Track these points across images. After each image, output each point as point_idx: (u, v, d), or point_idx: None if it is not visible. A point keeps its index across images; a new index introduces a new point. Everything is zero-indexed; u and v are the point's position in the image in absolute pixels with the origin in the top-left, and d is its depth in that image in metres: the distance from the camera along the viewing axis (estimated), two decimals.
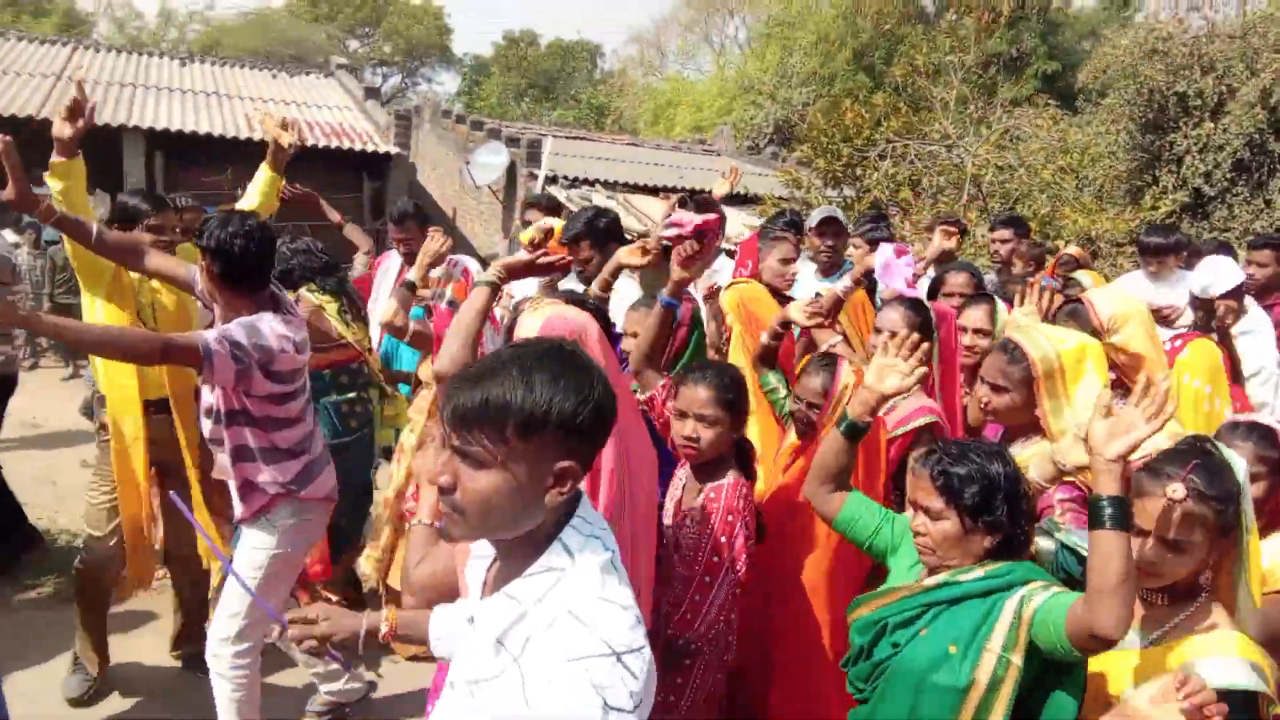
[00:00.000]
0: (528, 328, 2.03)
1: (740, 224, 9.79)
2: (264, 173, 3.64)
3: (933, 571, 1.94)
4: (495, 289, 2.33)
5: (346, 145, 12.54)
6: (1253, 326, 3.97)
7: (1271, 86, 9.62)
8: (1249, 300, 4.13)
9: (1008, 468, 1.87)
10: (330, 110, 14.33)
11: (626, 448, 2.04)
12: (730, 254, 5.44)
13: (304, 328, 2.87)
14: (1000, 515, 1.84)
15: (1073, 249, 4.87)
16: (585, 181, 12.30)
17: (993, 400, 2.49)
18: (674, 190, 11.74)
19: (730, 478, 2.46)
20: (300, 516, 2.89)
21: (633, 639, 1.21)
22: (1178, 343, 3.30)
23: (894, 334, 2.84)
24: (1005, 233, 5.39)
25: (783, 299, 3.69)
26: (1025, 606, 1.76)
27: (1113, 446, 1.67)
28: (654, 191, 12.12)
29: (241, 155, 10.73)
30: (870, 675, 1.95)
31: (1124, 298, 2.89)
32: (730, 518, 2.39)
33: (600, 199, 11.75)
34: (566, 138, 16.22)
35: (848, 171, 9.75)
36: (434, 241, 3.67)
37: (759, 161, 16.64)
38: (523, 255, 2.46)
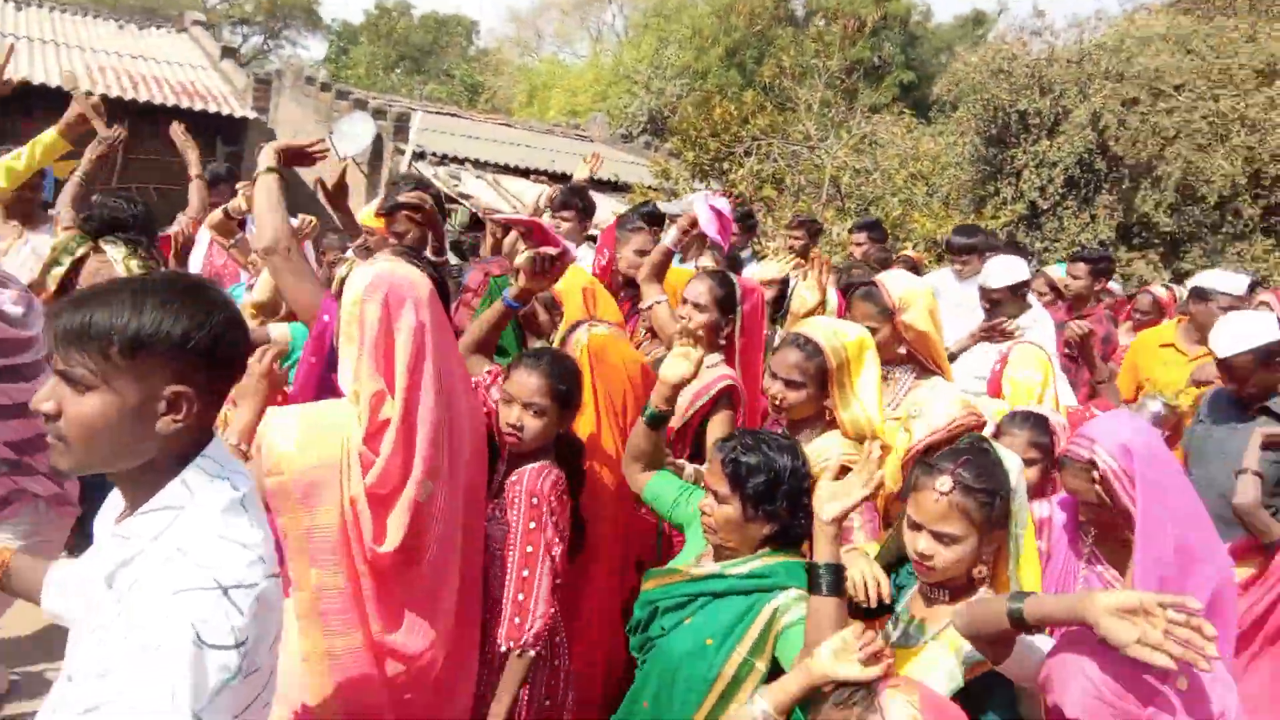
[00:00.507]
0: (356, 279, 2.02)
1: (609, 211, 9.87)
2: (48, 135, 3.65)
3: (716, 550, 2.05)
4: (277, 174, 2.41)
5: (199, 106, 11.87)
6: (1033, 323, 4.33)
7: (1101, 110, 10.45)
8: (1032, 298, 4.45)
9: (796, 462, 1.98)
10: (182, 68, 13.52)
11: (453, 419, 2.08)
12: (593, 239, 5.50)
13: (27, 301, 2.69)
14: (780, 507, 1.94)
15: (910, 253, 5.22)
16: (454, 159, 12.09)
17: (788, 396, 2.52)
18: (545, 173, 11.73)
19: (538, 462, 2.37)
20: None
21: (245, 575, 1.19)
22: (1005, 347, 3.59)
23: (697, 304, 2.98)
24: (861, 235, 5.69)
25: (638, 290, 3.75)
26: (778, 619, 1.87)
27: (829, 509, 1.75)
28: (525, 173, 12.04)
29: None
30: (642, 648, 2.07)
31: (911, 280, 3.10)
32: (534, 500, 2.28)
33: (470, 178, 11.60)
34: (437, 113, 15.87)
35: (715, 165, 9.99)
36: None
37: (632, 150, 16.76)
38: (295, 142, 2.54)
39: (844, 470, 2.26)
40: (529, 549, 2.27)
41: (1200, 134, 9.94)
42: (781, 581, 1.93)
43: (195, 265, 4.28)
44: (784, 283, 4.31)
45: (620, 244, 4.02)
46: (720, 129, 10.06)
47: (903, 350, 2.93)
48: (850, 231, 5.99)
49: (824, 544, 1.75)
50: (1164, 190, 9.98)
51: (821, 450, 2.46)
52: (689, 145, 10.03)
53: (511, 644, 2.21)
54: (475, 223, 10.20)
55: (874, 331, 2.73)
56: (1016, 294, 4.08)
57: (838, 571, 1.73)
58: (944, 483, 1.82)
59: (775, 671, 1.85)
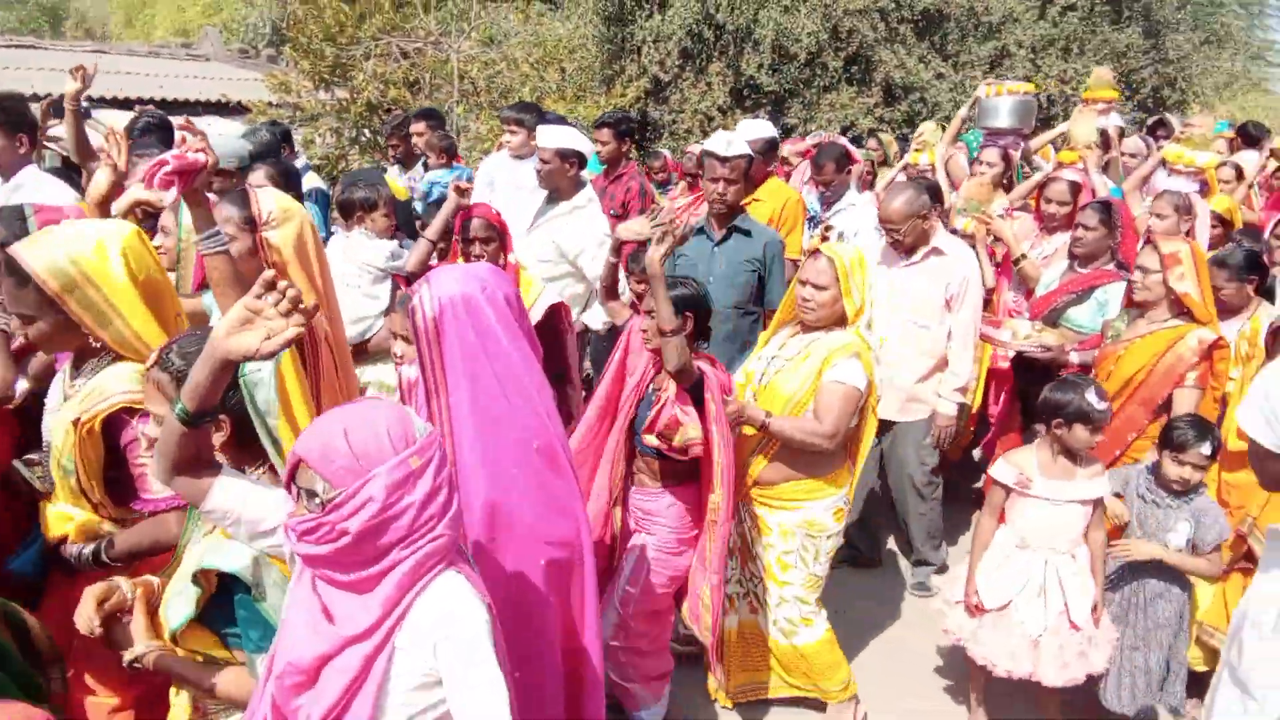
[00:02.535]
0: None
1: (218, 132, 9.16)
2: None
3: None
4: None
5: None
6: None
7: None
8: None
9: None
10: None
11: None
12: None
13: None
14: None
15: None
16: (34, 97, 10.55)
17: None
18: (153, 101, 10.58)
19: None
20: None
21: None
22: None
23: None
24: (420, 125, 5.88)
25: None
26: None
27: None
28: (127, 105, 10.79)
29: None
30: None
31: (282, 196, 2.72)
32: None
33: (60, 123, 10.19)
34: (6, 46, 13.67)
35: (336, 72, 9.54)
36: None
37: (256, 66, 15.47)
38: None
39: None
40: None
41: None
42: None
43: None
44: None
45: None
46: (335, 32, 9.56)
47: None
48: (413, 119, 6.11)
49: None
50: (762, 52, 10.91)
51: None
52: (303, 54, 9.47)
53: None
54: (69, 165, 9.05)
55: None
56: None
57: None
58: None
59: None
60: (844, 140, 6.53)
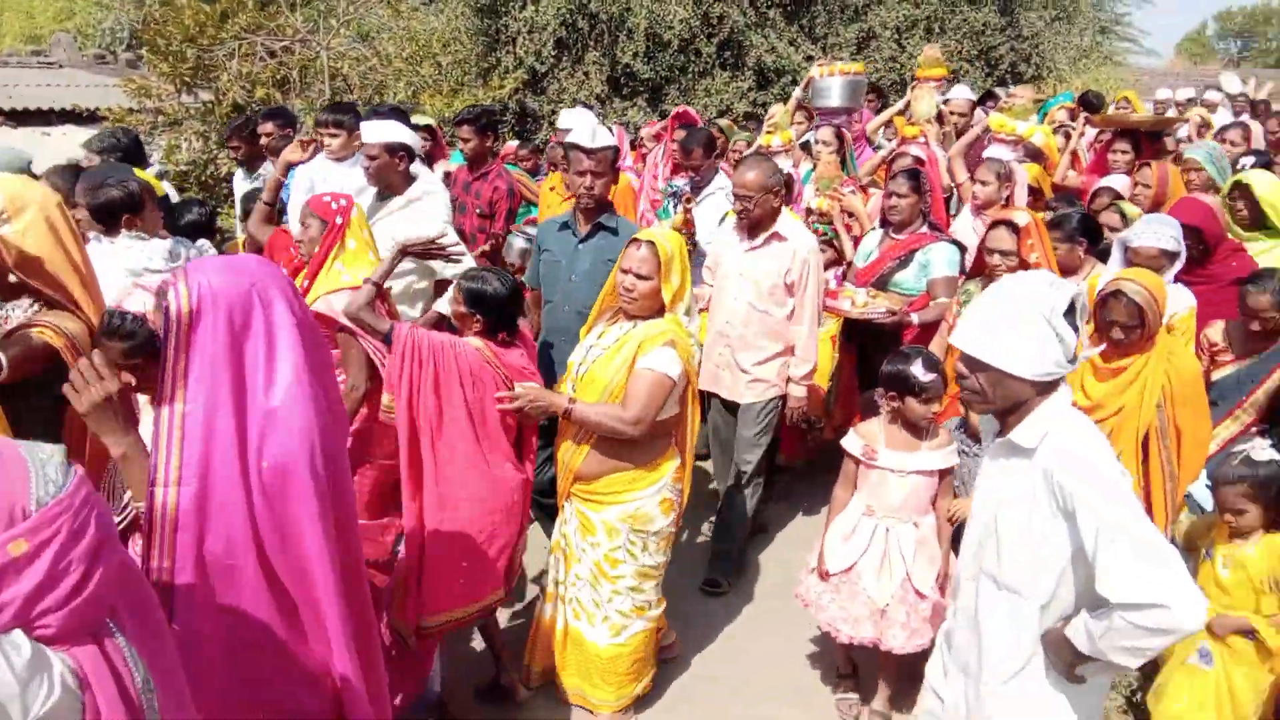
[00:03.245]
0: None
1: (76, 143, 8.76)
2: None
3: None
4: None
5: None
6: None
7: None
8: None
9: None
10: None
11: None
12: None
13: None
14: None
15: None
16: None
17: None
18: (1, 112, 10.06)
19: None
20: None
21: None
22: None
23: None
24: (269, 125, 5.70)
25: None
26: None
27: None
28: None
29: None
30: None
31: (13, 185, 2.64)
32: None
33: None
34: None
35: (199, 75, 9.22)
36: None
37: (114, 72, 14.79)
38: None
39: None
40: None
41: None
42: None
43: None
44: None
45: None
46: (196, 33, 9.23)
47: None
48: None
49: None
50: (636, 40, 11.01)
51: None
52: (162, 56, 9.11)
53: None
54: None
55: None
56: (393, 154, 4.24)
57: None
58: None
59: None
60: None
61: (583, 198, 3.95)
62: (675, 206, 5.18)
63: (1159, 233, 3.76)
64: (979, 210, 4.83)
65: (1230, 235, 4.42)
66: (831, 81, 6.26)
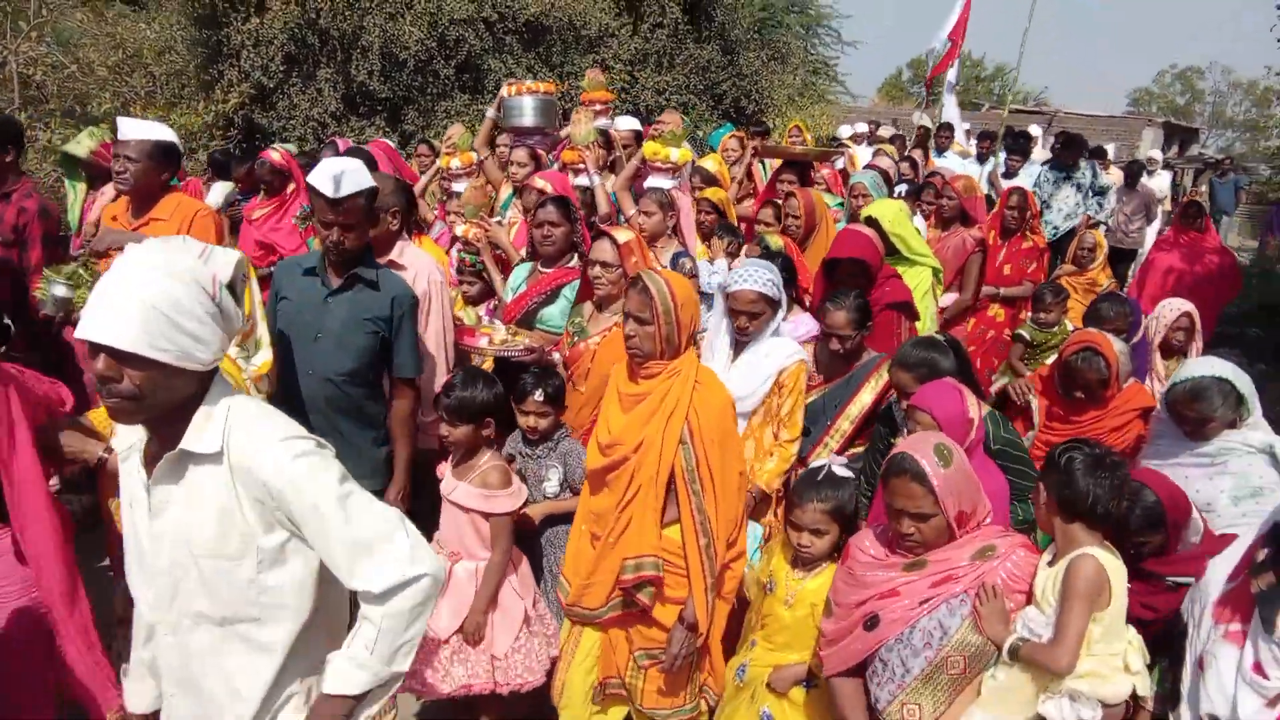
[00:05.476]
0: None
1: None
2: None
3: None
4: None
5: None
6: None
7: None
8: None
9: None
10: None
11: None
12: None
13: None
14: None
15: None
16: None
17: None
18: None
19: None
20: None
21: None
22: None
23: None
24: None
25: None
26: None
27: None
28: None
29: None
30: None
31: None
32: None
33: None
34: None
35: None
36: None
37: None
38: None
39: None
40: None
41: (390, 3, 10.92)
42: None
43: None
44: None
45: None
46: None
47: None
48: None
49: None
50: (371, 59, 10.83)
51: None
52: None
53: None
54: None
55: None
56: None
57: None
58: None
59: None
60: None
61: (332, 252, 3.25)
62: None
63: (756, 276, 3.46)
64: (650, 243, 4.66)
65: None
66: (523, 100, 5.82)
